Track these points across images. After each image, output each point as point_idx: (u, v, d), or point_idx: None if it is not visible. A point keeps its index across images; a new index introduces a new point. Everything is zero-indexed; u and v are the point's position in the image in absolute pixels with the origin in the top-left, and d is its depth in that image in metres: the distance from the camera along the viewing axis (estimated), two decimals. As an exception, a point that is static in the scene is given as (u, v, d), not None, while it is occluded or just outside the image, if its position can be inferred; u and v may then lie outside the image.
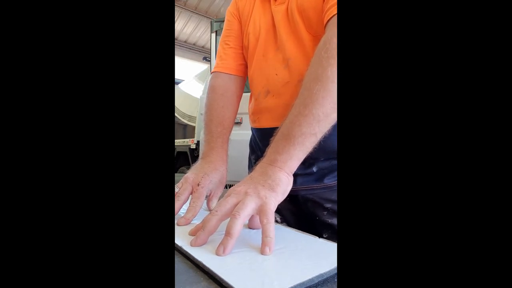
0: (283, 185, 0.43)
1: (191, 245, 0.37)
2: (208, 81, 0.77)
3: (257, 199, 0.40)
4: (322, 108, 0.44)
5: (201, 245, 0.37)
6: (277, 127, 0.67)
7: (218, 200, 0.60)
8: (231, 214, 0.38)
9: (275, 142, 0.47)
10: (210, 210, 0.57)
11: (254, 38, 0.67)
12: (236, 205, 0.39)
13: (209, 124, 0.67)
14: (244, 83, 0.76)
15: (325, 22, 0.53)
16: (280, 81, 0.62)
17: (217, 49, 0.78)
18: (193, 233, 0.41)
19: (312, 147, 0.45)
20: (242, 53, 0.74)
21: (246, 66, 0.75)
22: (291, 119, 0.46)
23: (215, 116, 0.67)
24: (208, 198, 0.59)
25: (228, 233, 0.36)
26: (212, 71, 0.76)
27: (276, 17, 0.62)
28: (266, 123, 0.67)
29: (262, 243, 0.36)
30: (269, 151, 0.47)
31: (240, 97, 0.75)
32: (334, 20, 0.50)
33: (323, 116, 0.44)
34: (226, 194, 0.43)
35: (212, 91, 0.72)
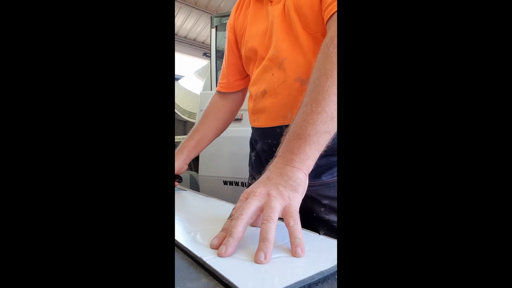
0: (303, 186, 0.41)
1: (221, 255, 0.33)
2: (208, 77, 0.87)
3: (281, 200, 0.38)
4: (335, 105, 0.43)
5: (232, 254, 0.33)
6: (275, 126, 0.67)
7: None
8: (264, 219, 0.36)
9: (289, 141, 0.44)
10: None
11: (251, 44, 0.69)
12: (260, 208, 0.38)
13: (191, 135, 0.82)
14: (244, 95, 0.87)
15: (326, 19, 0.53)
16: (276, 81, 0.63)
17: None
18: (219, 242, 0.36)
19: (326, 145, 0.44)
20: (240, 66, 0.81)
21: (244, 78, 0.83)
22: (304, 117, 0.44)
23: (197, 130, 0.82)
24: None
25: (265, 239, 0.33)
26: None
27: (272, 16, 0.63)
28: (264, 123, 0.68)
29: (292, 245, 0.34)
30: (283, 151, 0.44)
31: (235, 110, 0.87)
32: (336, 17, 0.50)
33: (336, 113, 0.43)
34: (242, 197, 0.41)
35: (208, 107, 0.86)
